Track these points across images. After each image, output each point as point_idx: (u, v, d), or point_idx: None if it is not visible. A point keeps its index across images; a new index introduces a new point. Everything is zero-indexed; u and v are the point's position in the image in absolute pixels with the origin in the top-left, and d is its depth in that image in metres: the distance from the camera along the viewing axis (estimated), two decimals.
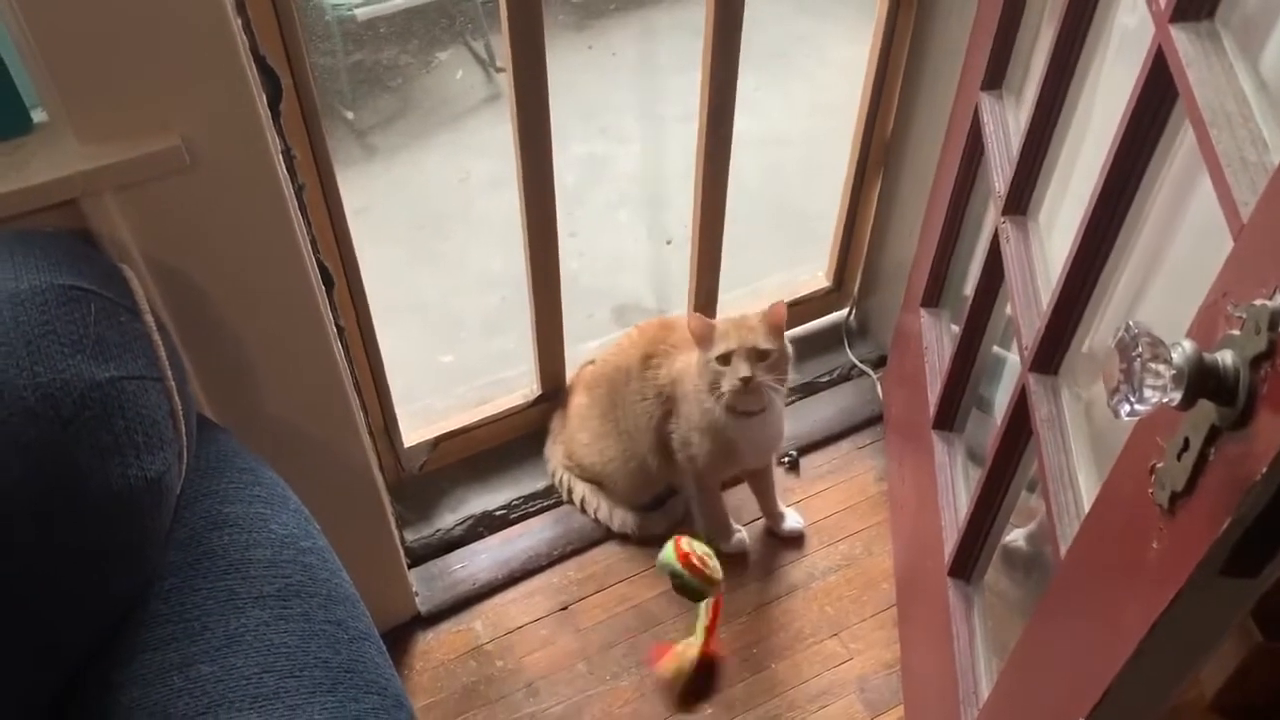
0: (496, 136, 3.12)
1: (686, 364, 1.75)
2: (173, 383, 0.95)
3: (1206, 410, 0.70)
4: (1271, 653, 1.49)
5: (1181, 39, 0.85)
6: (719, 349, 1.62)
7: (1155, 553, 0.79)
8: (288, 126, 1.28)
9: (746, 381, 1.59)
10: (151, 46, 0.98)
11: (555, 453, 2.00)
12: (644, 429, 1.82)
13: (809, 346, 2.25)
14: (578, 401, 1.97)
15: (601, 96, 3.29)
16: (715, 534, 1.91)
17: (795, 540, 1.94)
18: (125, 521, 0.89)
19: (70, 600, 0.90)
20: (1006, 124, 1.43)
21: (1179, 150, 0.99)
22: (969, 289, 1.69)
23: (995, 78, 1.46)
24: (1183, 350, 0.66)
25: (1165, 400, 0.67)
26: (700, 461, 1.77)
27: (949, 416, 1.66)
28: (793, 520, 1.94)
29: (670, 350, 1.81)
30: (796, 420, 2.13)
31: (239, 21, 1.04)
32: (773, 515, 1.94)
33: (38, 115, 1.04)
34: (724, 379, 1.61)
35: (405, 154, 3.12)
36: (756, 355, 1.61)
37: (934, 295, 1.81)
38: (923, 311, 1.82)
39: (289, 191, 1.17)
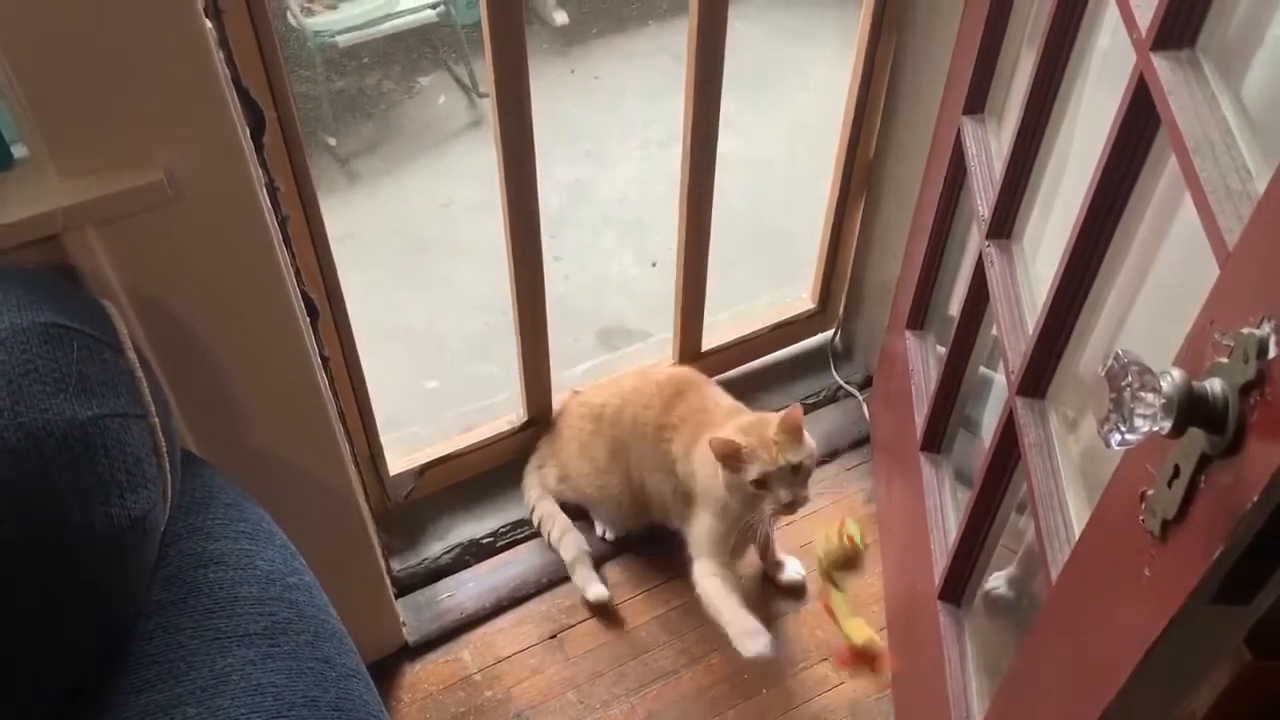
0: (480, 161, 3.13)
1: (703, 458, 1.65)
2: (156, 419, 0.94)
3: (1196, 438, 0.70)
4: (1261, 672, 1.49)
5: (1163, 67, 0.86)
6: (752, 474, 1.54)
7: (1147, 580, 0.79)
8: (271, 158, 1.28)
9: (791, 507, 1.56)
10: (133, 80, 0.97)
11: (539, 478, 1.99)
12: (656, 487, 1.81)
13: (794, 368, 2.26)
14: (581, 427, 1.91)
15: (584, 120, 3.30)
16: (737, 637, 1.65)
17: (795, 591, 1.89)
18: (109, 561, 0.88)
19: (52, 642, 0.88)
20: (989, 147, 1.44)
21: (1162, 176, 1.00)
22: (954, 310, 1.70)
23: (977, 101, 1.47)
24: (1171, 379, 0.66)
25: (1155, 429, 0.67)
26: (712, 540, 1.70)
27: (936, 438, 1.66)
28: (793, 570, 1.89)
29: (680, 425, 1.75)
30: None
31: (221, 54, 1.03)
32: (771, 562, 1.90)
33: (18, 150, 1.03)
34: (765, 501, 1.56)
35: (388, 180, 3.12)
36: (792, 471, 1.55)
37: (919, 317, 1.81)
38: (908, 333, 1.83)
39: (273, 224, 1.16)
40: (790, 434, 1.57)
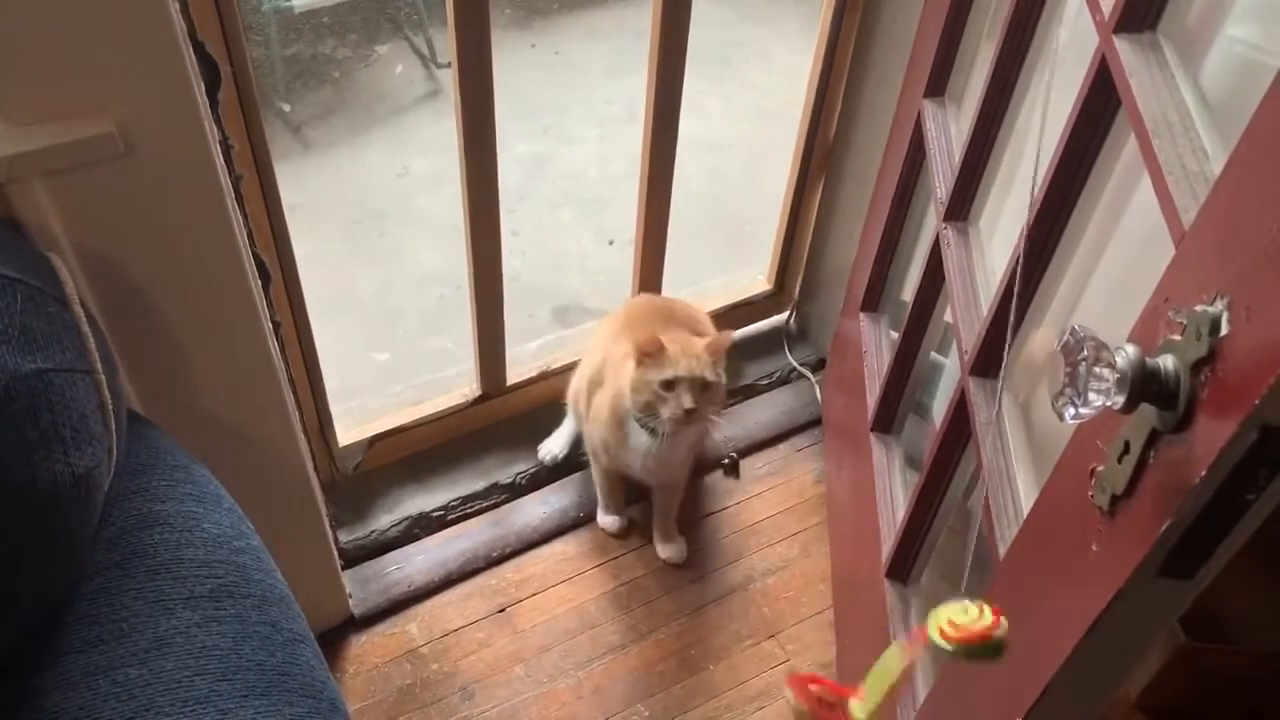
0: (436, 133, 3.09)
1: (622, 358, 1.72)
2: (103, 376, 0.91)
3: (1147, 414, 0.71)
4: (1194, 654, 1.53)
5: (1125, 49, 0.87)
6: (666, 374, 1.59)
7: (1095, 555, 0.80)
8: (225, 116, 1.25)
9: (690, 414, 1.58)
10: (86, 26, 0.94)
11: None
12: None
13: (749, 349, 2.26)
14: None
15: (544, 96, 3.27)
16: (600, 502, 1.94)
17: (672, 568, 1.91)
18: (50, 519, 0.86)
19: None
20: (949, 131, 1.45)
21: (1119, 159, 1.01)
22: (908, 295, 1.71)
23: (938, 85, 1.48)
24: (1126, 354, 0.67)
25: (1109, 404, 0.68)
26: (594, 441, 1.81)
27: (888, 420, 1.67)
28: (670, 551, 1.91)
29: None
30: (736, 423, 2.13)
31: (177, 5, 1.01)
32: (660, 536, 1.92)
33: None
34: (665, 405, 1.59)
35: (342, 148, 3.06)
36: (701, 386, 1.59)
37: (874, 300, 1.82)
38: (862, 316, 1.84)
39: (226, 183, 1.14)
40: (714, 355, 1.63)
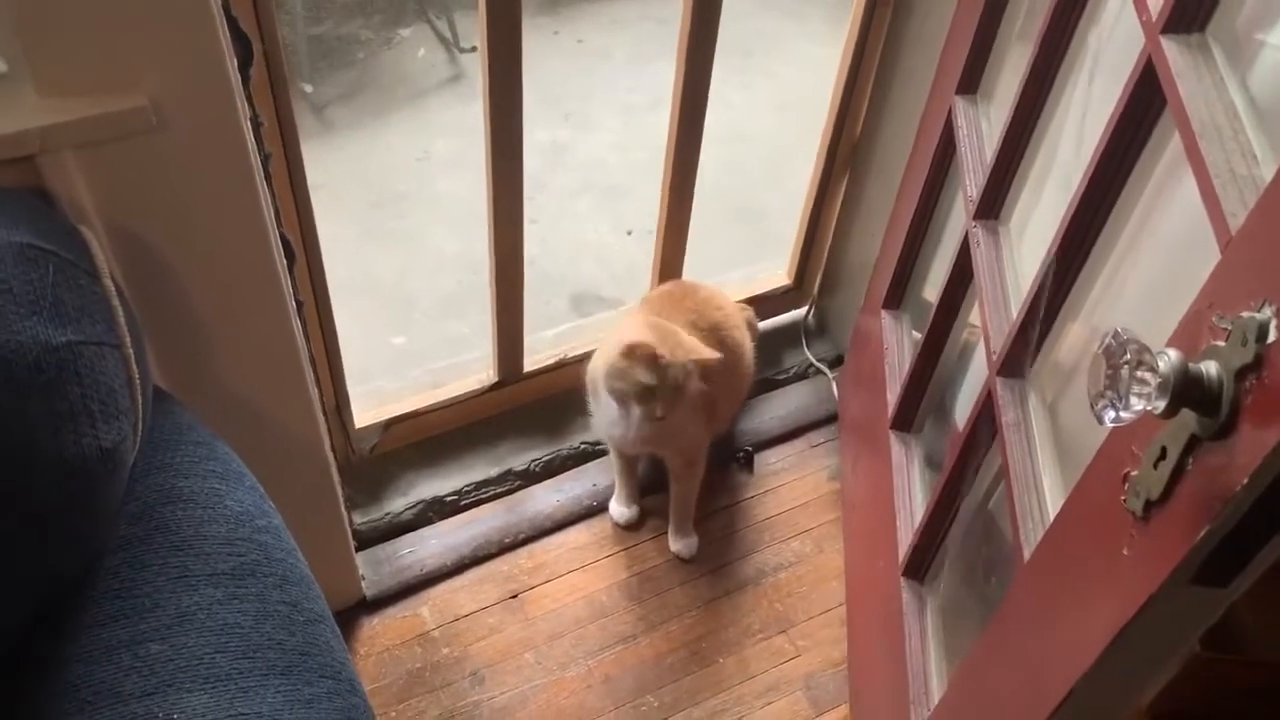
0: (457, 117, 3.08)
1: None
2: (131, 350, 0.91)
3: (1186, 420, 0.70)
4: (1207, 663, 1.52)
5: (1172, 50, 0.85)
6: (646, 379, 1.59)
7: (1126, 560, 0.79)
8: (255, 93, 1.24)
9: (659, 420, 1.64)
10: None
11: None
12: None
13: (767, 344, 2.25)
14: None
15: (565, 83, 3.26)
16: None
17: (683, 563, 1.92)
18: (76, 491, 0.86)
19: (14, 571, 0.86)
20: (980, 128, 1.44)
21: (1159, 162, 1.00)
22: (929, 293, 1.70)
23: (971, 82, 1.46)
24: (1168, 359, 0.66)
25: (1149, 408, 0.67)
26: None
27: (908, 418, 1.66)
28: (681, 545, 1.92)
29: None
30: (752, 417, 2.13)
31: None
32: (675, 530, 1.93)
33: None
34: (638, 404, 1.63)
35: (364, 130, 3.06)
36: (675, 391, 1.62)
37: (896, 298, 1.81)
38: (884, 313, 1.83)
39: (255, 161, 1.14)
40: (698, 366, 1.65)
